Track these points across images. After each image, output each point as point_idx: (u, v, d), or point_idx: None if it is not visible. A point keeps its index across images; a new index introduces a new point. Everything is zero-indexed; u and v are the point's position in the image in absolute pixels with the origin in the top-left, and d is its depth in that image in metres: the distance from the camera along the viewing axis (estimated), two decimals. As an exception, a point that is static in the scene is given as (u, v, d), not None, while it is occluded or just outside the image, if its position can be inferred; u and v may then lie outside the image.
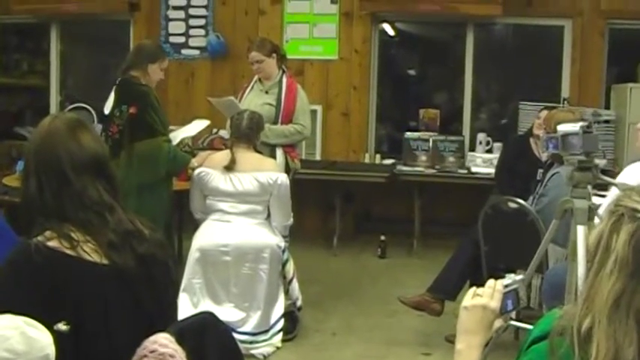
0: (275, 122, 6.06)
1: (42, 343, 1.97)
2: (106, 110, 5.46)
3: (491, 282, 2.07)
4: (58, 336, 2.04)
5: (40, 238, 2.28)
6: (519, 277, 2.14)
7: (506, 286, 2.08)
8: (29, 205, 2.38)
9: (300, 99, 6.23)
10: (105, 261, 2.33)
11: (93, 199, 2.38)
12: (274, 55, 6.17)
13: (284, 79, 6.22)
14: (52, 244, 2.28)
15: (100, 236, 2.34)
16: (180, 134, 5.77)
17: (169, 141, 5.44)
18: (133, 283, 2.35)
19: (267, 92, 6.16)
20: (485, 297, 2.03)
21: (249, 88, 6.26)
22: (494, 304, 2.03)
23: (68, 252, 2.28)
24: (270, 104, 6.10)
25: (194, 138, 6.94)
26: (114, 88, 5.49)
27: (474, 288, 2.08)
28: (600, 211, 3.65)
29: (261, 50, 6.12)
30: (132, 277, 2.35)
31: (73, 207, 2.35)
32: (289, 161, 6.11)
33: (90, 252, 2.31)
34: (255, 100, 6.09)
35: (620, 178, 4.33)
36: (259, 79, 6.24)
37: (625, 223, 1.70)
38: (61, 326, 2.07)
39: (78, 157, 2.41)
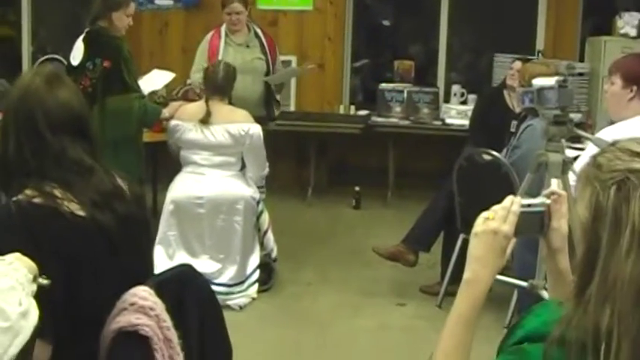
0: (267, 73, 6.24)
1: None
2: (74, 61, 5.35)
3: (506, 201, 1.81)
4: (40, 289, 2.05)
5: (21, 196, 2.28)
6: (547, 200, 1.87)
7: (527, 205, 1.83)
8: (8, 163, 2.37)
9: (277, 48, 6.49)
10: (88, 217, 2.34)
11: (72, 160, 2.38)
12: (248, 7, 6.26)
13: (259, 31, 6.34)
14: (36, 200, 2.28)
15: (82, 196, 2.34)
16: (146, 87, 5.73)
17: (142, 97, 5.42)
18: (114, 239, 2.37)
19: (247, 46, 6.19)
20: (496, 220, 1.77)
21: (222, 42, 6.22)
22: (507, 227, 1.77)
23: (53, 207, 2.28)
24: (260, 58, 6.22)
25: (168, 88, 6.92)
26: (81, 38, 5.40)
27: (484, 213, 1.81)
28: (576, 165, 3.69)
29: (241, 2, 6.15)
30: (113, 234, 2.36)
31: (53, 167, 2.35)
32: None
33: (74, 209, 2.31)
34: (242, 56, 6.13)
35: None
36: (226, 34, 6.22)
37: (635, 189, 1.47)
38: (42, 280, 2.07)
39: (56, 117, 2.40)
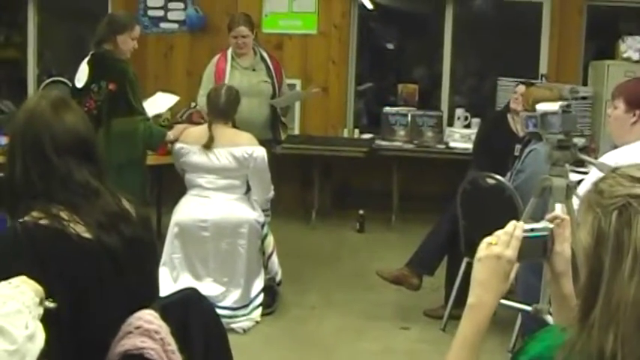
0: (273, 96, 6.27)
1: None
2: (79, 83, 5.36)
3: (509, 226, 1.83)
4: (46, 312, 2.06)
5: (27, 218, 2.29)
6: (550, 225, 1.89)
7: (530, 230, 1.84)
8: (15, 186, 2.38)
9: (283, 71, 6.53)
10: (94, 239, 2.35)
11: (78, 183, 2.39)
12: (254, 30, 6.28)
13: (265, 55, 6.36)
14: (43, 222, 2.29)
15: (88, 218, 2.35)
16: (150, 110, 5.75)
17: (147, 119, 5.43)
18: (120, 261, 2.37)
19: (254, 69, 6.23)
20: (499, 245, 1.79)
21: (228, 66, 6.25)
22: (510, 252, 1.79)
23: (60, 228, 2.29)
24: (266, 81, 6.25)
25: (172, 111, 6.95)
26: (86, 60, 5.42)
27: (487, 238, 1.83)
28: (579, 189, 3.70)
29: (247, 25, 6.20)
30: (119, 256, 2.37)
31: (59, 190, 2.36)
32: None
33: (80, 231, 2.33)
34: (248, 79, 6.18)
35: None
36: (232, 57, 6.25)
37: (636, 214, 1.48)
38: (48, 303, 2.08)
39: (62, 141, 2.41)
